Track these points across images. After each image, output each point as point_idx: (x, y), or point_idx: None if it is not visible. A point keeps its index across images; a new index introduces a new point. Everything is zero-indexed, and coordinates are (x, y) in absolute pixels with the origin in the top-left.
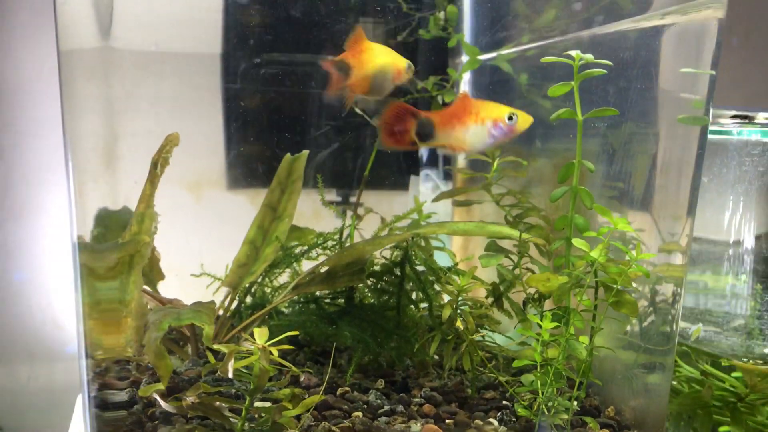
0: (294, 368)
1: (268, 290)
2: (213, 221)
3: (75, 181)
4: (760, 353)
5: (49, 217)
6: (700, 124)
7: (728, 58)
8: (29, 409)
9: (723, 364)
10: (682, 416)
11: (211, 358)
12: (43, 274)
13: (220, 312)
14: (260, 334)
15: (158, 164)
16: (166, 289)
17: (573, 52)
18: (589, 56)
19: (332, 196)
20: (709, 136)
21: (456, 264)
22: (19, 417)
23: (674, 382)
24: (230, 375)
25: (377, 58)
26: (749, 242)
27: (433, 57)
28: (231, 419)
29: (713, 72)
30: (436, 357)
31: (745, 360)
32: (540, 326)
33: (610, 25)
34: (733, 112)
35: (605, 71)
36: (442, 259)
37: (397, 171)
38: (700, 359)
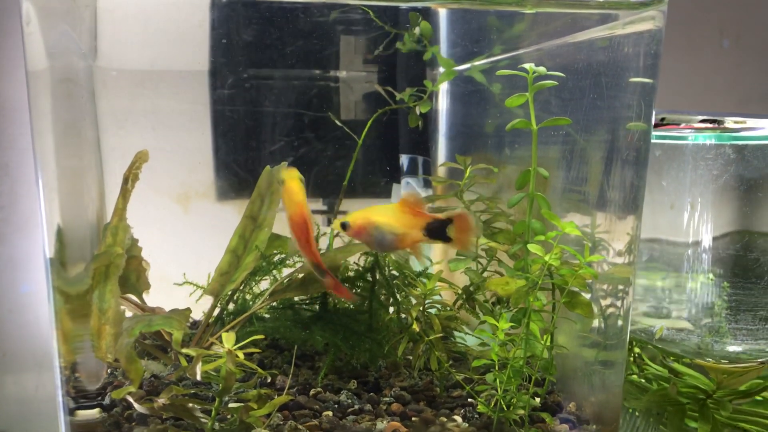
0: (261, 370)
1: (248, 297)
2: (203, 231)
3: (45, 198)
4: (720, 350)
5: None
6: (642, 130)
7: (720, 61)
8: (37, 418)
9: (685, 362)
10: (651, 413)
11: (183, 361)
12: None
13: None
14: (227, 339)
15: (129, 179)
16: (156, 298)
17: (527, 65)
18: (542, 69)
19: (318, 205)
20: (666, 141)
21: (427, 268)
22: (27, 425)
23: (642, 380)
24: (198, 377)
25: None
26: (707, 242)
27: (412, 69)
28: (202, 419)
29: (652, 80)
30: (409, 357)
31: (708, 360)
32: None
33: (572, 36)
34: (701, 117)
35: (557, 83)
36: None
37: (378, 179)
38: (667, 357)
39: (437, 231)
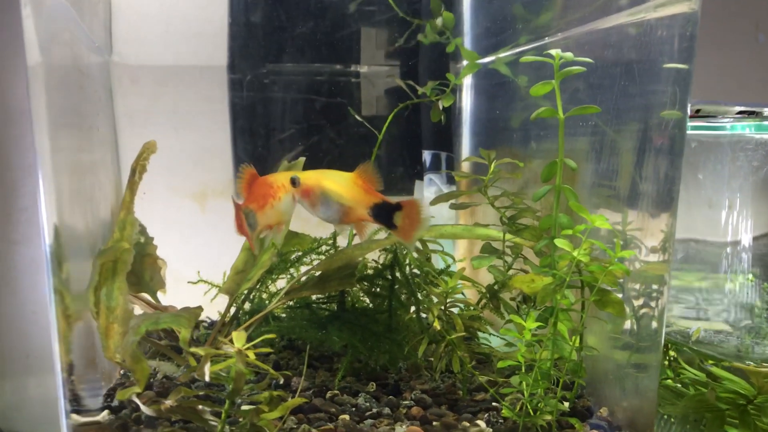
0: (272, 371)
1: (265, 296)
2: (221, 229)
3: (45, 196)
4: (761, 353)
5: None
6: (677, 118)
7: (755, 56)
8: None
9: (724, 365)
10: (689, 419)
11: (192, 361)
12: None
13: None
14: (238, 338)
15: (136, 171)
16: (175, 297)
17: (553, 51)
18: (569, 54)
19: None
20: (703, 132)
21: (449, 266)
22: (51, 427)
23: (678, 385)
24: (207, 378)
25: None
26: (747, 240)
27: (437, 63)
28: (211, 422)
29: (687, 66)
30: (430, 359)
31: (748, 363)
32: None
33: (602, 20)
34: (739, 108)
35: (584, 69)
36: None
37: (402, 175)
38: (705, 361)
39: (383, 214)
